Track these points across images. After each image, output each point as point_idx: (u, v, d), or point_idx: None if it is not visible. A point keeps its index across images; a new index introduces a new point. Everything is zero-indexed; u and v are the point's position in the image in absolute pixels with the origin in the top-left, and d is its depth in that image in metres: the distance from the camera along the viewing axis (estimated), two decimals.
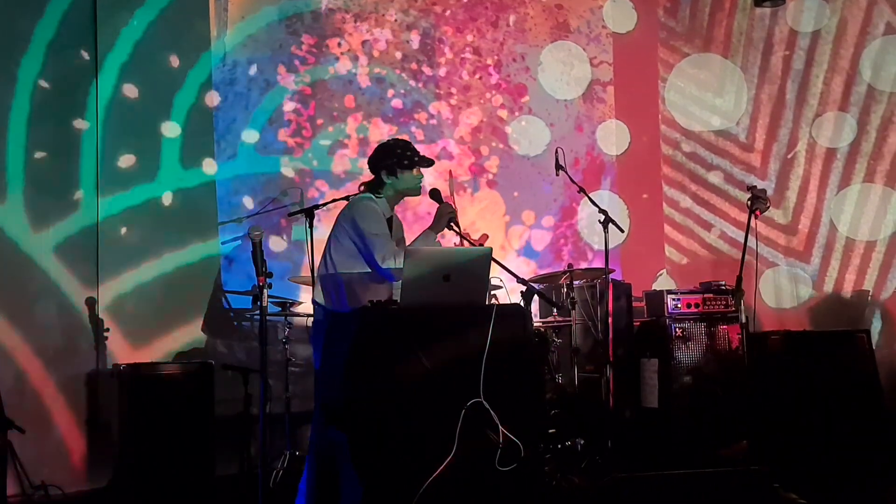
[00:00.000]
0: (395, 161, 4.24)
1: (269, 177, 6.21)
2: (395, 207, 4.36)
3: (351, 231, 4.11)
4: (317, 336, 4.15)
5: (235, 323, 6.02)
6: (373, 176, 4.30)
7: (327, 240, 4.25)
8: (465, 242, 4.21)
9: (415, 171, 4.26)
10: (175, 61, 5.95)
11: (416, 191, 4.33)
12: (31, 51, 5.47)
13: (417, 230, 4.40)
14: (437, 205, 4.22)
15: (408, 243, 4.26)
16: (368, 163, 4.35)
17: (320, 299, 4.15)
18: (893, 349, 6.53)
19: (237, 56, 6.17)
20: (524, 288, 4.24)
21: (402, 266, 3.81)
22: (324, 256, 4.21)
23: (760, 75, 7.20)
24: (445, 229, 4.20)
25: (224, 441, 5.13)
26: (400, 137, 4.69)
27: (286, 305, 5.41)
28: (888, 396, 5.57)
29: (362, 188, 4.33)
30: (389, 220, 4.27)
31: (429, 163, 4.34)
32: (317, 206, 4.84)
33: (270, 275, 3.83)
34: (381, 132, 6.50)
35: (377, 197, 4.25)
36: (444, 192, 4.91)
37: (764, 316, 6.96)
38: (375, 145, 6.34)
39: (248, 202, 6.12)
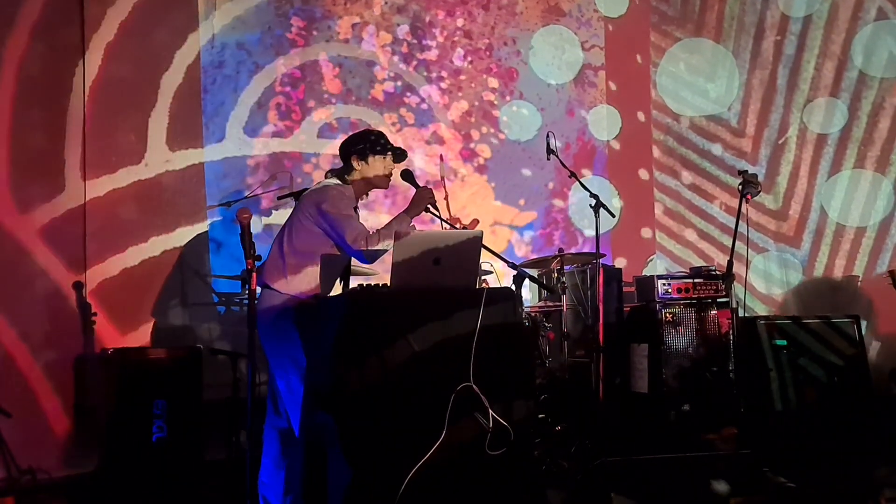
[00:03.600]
0: (366, 146, 4.14)
1: (258, 160, 6.17)
2: (360, 201, 4.23)
3: (316, 214, 3.99)
4: (280, 323, 3.97)
5: (224, 307, 5.99)
6: (343, 163, 4.20)
7: (285, 226, 4.13)
8: (448, 227, 4.17)
9: (386, 158, 4.16)
10: (162, 42, 5.89)
11: (385, 180, 4.19)
12: (16, 32, 5.41)
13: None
14: (413, 188, 4.15)
15: (381, 227, 4.11)
16: (340, 149, 4.24)
17: (279, 285, 4.02)
18: (882, 334, 6.55)
19: (225, 38, 6.11)
20: (515, 272, 4.22)
21: (374, 248, 3.81)
22: (280, 241, 4.08)
23: (752, 60, 7.18)
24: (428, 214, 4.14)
25: (212, 426, 5.11)
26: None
27: None
28: (876, 381, 5.59)
29: (329, 175, 4.22)
30: (355, 210, 4.19)
31: (401, 154, 4.21)
32: (306, 190, 4.80)
33: (259, 258, 3.80)
34: (371, 116, 6.46)
35: (344, 184, 4.16)
36: (435, 176, 4.89)
37: (753, 301, 6.99)
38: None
39: (237, 186, 6.07)
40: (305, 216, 4.04)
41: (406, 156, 4.28)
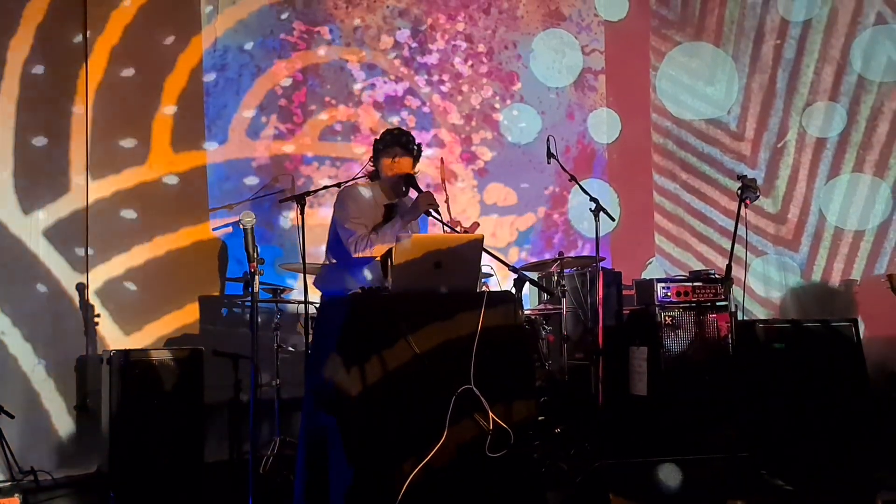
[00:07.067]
0: (376, 146, 4.35)
1: (260, 163, 6.19)
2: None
3: (335, 219, 4.22)
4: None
5: (226, 309, 6.01)
6: None
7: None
8: (448, 231, 4.20)
9: (390, 159, 4.27)
10: (165, 45, 5.92)
11: (390, 179, 4.30)
12: (19, 33, 5.43)
13: None
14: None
15: (373, 232, 4.21)
16: None
17: (326, 287, 4.23)
18: (880, 338, 6.58)
19: (228, 41, 6.13)
20: (516, 275, 4.25)
21: (363, 253, 4.00)
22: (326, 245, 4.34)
23: (751, 64, 7.21)
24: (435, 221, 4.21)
25: (214, 427, 5.14)
26: (397, 127, 4.68)
27: (277, 292, 5.40)
28: (874, 385, 5.61)
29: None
30: (390, 207, 4.28)
31: (406, 151, 4.26)
32: (308, 193, 4.83)
33: (262, 261, 3.83)
34: (372, 119, 6.49)
35: (371, 183, 4.30)
36: (436, 179, 4.91)
37: (752, 304, 7.01)
38: (366, 132, 6.44)
39: (239, 188, 6.10)
40: (334, 220, 4.27)
41: (411, 150, 4.29)
